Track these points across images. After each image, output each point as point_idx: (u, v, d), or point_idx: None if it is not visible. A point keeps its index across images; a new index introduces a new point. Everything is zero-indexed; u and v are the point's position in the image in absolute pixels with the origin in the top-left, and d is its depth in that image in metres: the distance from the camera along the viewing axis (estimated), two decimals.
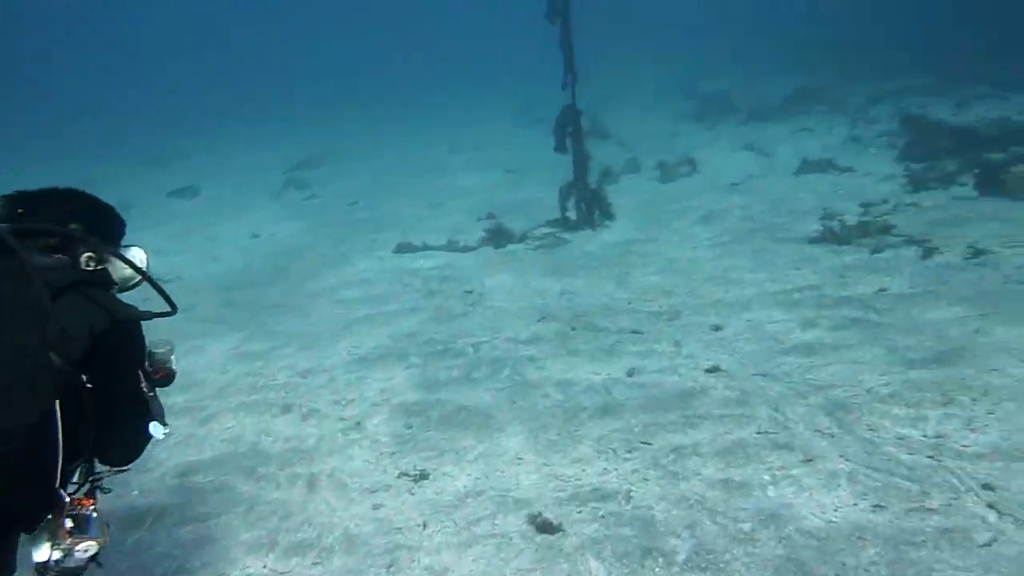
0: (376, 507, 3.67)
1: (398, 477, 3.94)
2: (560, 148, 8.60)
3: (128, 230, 2.24)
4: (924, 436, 3.60)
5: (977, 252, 5.78)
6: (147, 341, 2.03)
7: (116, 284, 2.03)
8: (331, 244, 9.32)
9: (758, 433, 3.89)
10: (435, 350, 5.74)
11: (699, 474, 3.61)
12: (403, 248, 8.64)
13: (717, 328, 5.52)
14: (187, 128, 25.00)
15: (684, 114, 17.07)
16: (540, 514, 3.45)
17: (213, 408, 4.96)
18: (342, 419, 4.67)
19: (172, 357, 2.20)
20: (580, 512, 3.44)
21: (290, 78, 37.18)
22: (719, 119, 15.51)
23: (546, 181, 11.44)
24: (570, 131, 8.54)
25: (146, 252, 2.14)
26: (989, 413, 3.68)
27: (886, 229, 6.68)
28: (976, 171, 7.30)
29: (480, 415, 4.57)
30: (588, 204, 8.74)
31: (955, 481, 3.20)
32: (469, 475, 3.89)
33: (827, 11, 23.36)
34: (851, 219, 7.29)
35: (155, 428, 1.97)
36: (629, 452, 3.91)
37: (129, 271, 2.03)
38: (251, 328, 6.56)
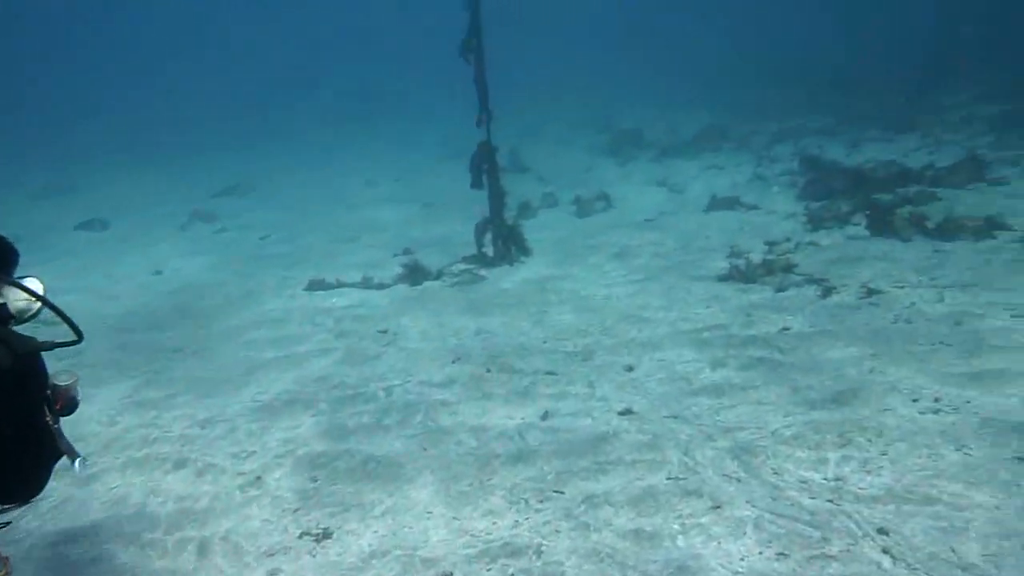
0: (273, 573, 3.45)
1: (299, 537, 3.73)
2: (476, 184, 8.60)
3: (19, 267, 2.14)
4: (825, 479, 3.69)
5: (870, 292, 6.09)
6: (49, 371, 1.99)
7: (13, 317, 1.99)
8: (239, 281, 8.94)
9: (668, 479, 3.90)
10: (345, 395, 5.54)
11: (610, 524, 3.57)
12: (315, 285, 8.37)
13: (630, 368, 5.56)
14: (89, 158, 23.74)
15: (599, 148, 17.47)
16: (450, 574, 3.33)
17: (97, 466, 4.59)
18: (241, 474, 4.41)
19: (77, 387, 2.14)
20: (490, 570, 3.33)
21: (203, 106, 35.98)
22: (633, 154, 15.94)
23: (464, 215, 11.40)
24: (486, 168, 8.54)
25: (42, 282, 2.10)
26: (883, 454, 3.81)
27: (789, 268, 6.95)
28: (867, 212, 7.73)
29: (389, 465, 4.41)
30: (505, 240, 8.74)
31: (853, 526, 3.28)
32: (375, 532, 3.72)
33: (734, 52, 24.68)
34: (757, 257, 7.55)
35: (79, 464, 1.96)
36: (541, 502, 3.84)
37: (24, 302, 1.99)
38: (146, 374, 6.16)
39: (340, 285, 8.36)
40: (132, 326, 7.49)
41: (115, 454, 4.71)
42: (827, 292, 6.31)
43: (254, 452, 4.69)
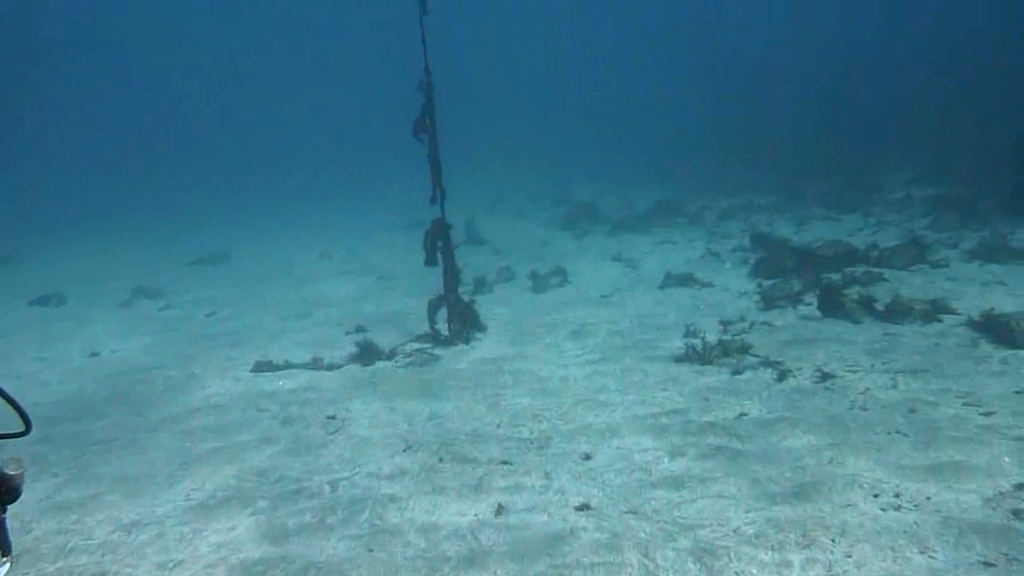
0: None
1: None
2: (430, 262, 8.49)
3: None
4: None
5: (824, 376, 6.08)
6: None
7: None
8: (181, 363, 8.53)
9: None
10: (287, 490, 5.21)
11: None
12: (262, 367, 8.04)
13: (587, 457, 5.39)
14: (28, 227, 23.06)
15: (555, 221, 17.68)
16: None
17: None
18: None
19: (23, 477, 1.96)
20: None
21: (155, 173, 35.62)
22: (588, 228, 16.15)
23: (419, 289, 11.27)
24: (440, 245, 8.45)
25: None
26: (847, 556, 3.68)
27: (744, 349, 6.94)
28: (818, 292, 7.84)
29: (331, 572, 4.09)
30: (459, 318, 8.59)
31: None
32: None
33: (684, 128, 25.63)
34: (712, 337, 7.54)
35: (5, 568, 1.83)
36: None
37: None
38: (71, 471, 5.72)
39: (288, 366, 8.05)
40: (60, 416, 7.01)
41: (25, 568, 4.28)
42: (783, 375, 6.28)
43: (182, 561, 4.31)
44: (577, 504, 4.64)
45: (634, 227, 15.05)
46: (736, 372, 6.60)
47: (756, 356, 6.91)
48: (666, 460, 5.17)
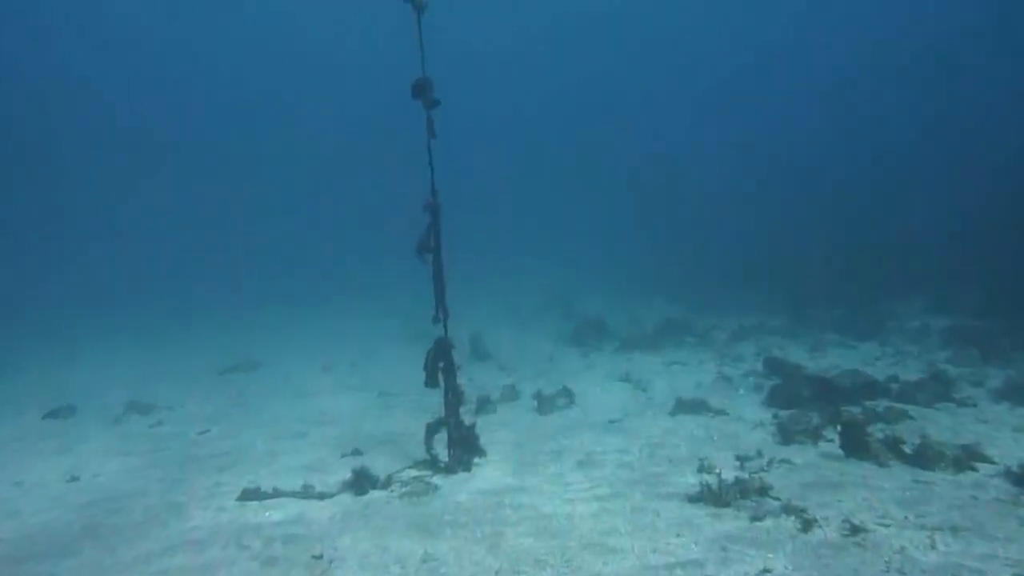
0: None
1: None
2: (431, 383, 8.16)
3: None
4: None
5: (854, 529, 5.60)
6: None
7: None
8: (164, 489, 8.05)
9: None
10: None
11: None
12: (249, 495, 7.56)
13: None
14: (31, 332, 22.97)
15: (563, 336, 17.45)
16: None
17: None
18: None
19: None
20: None
21: (154, 282, 35.96)
22: (596, 344, 15.90)
23: (420, 407, 10.91)
24: (442, 366, 8.16)
25: None
26: None
27: (763, 491, 6.48)
28: (839, 429, 7.44)
29: None
30: (460, 444, 8.16)
31: None
32: None
33: (694, 245, 25.91)
34: (728, 474, 7.09)
35: None
36: None
37: None
38: None
39: (277, 494, 7.57)
40: (25, 554, 6.49)
41: None
42: (807, 525, 5.79)
43: None
44: None
45: (643, 345, 14.79)
46: (756, 518, 6.11)
47: (776, 499, 6.43)
48: None
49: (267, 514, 7.14)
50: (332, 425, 10.64)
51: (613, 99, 60.56)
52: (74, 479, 8.71)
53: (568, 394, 11.16)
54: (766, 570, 5.23)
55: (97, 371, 17.23)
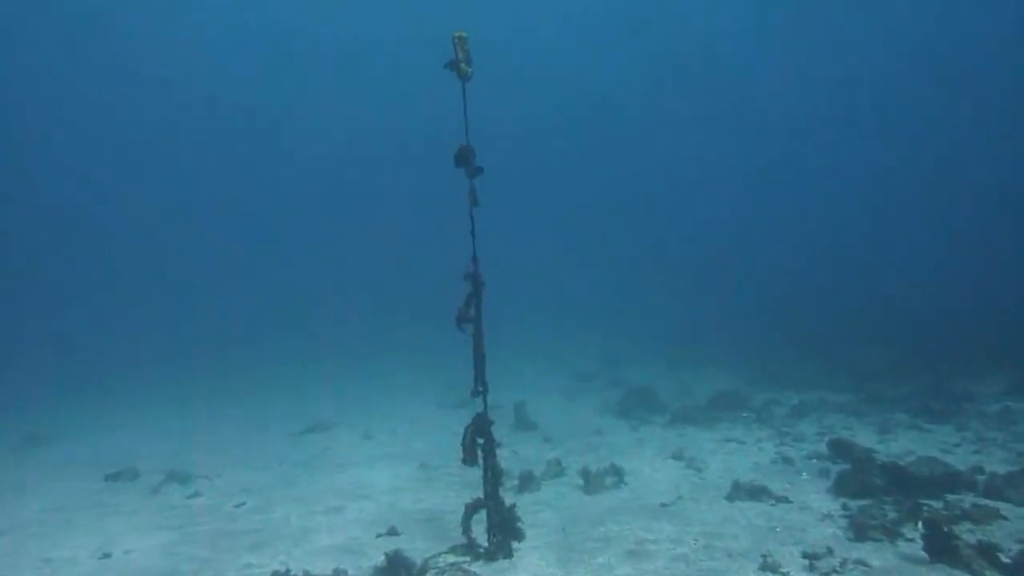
0: None
1: None
2: (469, 461, 7.70)
3: None
4: None
5: None
6: None
7: None
8: (192, 571, 7.67)
9: None
10: None
11: None
12: None
13: None
14: (54, 404, 23.29)
15: (610, 406, 16.81)
16: None
17: None
18: None
19: None
20: None
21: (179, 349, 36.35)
22: (645, 417, 15.22)
23: (462, 481, 10.47)
24: (481, 443, 7.73)
25: None
26: None
27: None
28: (921, 528, 6.70)
29: None
30: (500, 528, 7.65)
31: None
32: None
33: (746, 314, 25.11)
34: (796, 574, 6.41)
35: None
36: None
37: None
38: None
39: None
40: None
41: None
42: None
43: None
44: None
45: (695, 419, 14.06)
46: None
47: None
48: None
49: None
50: (369, 500, 10.24)
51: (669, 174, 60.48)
52: (105, 556, 8.45)
53: (616, 472, 10.54)
54: None
55: (141, 434, 17.27)
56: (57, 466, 14.17)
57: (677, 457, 11.55)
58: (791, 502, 8.77)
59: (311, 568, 7.40)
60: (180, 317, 44.01)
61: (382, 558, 7.42)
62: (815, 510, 8.37)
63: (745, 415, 14.19)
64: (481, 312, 8.01)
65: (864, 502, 8.08)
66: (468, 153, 7.92)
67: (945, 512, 7.17)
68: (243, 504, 10.31)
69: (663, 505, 9.19)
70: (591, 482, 10.26)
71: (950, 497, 7.67)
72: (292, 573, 7.23)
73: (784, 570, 6.66)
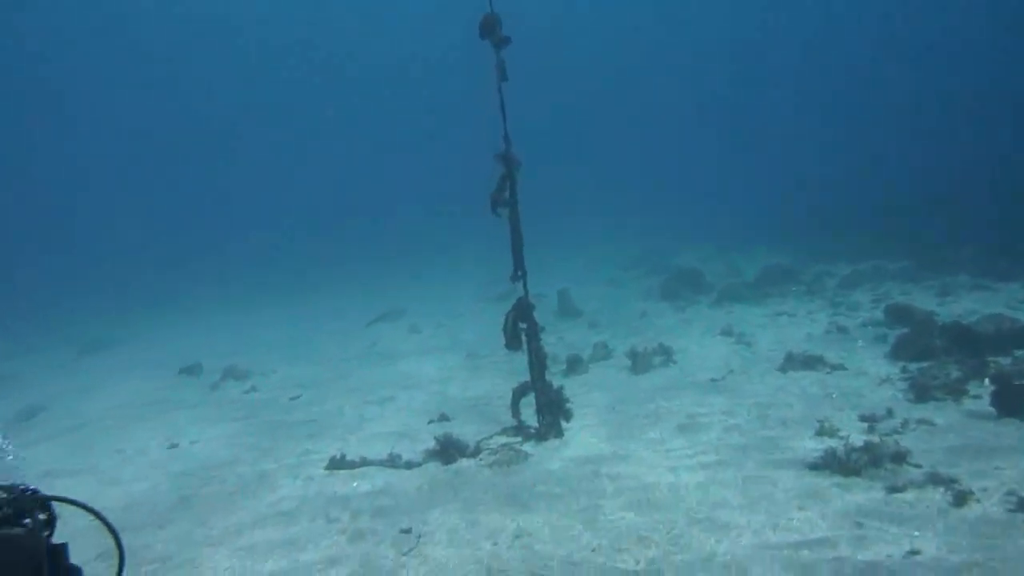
0: None
1: None
2: (512, 346, 7.62)
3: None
4: None
5: (1022, 503, 4.72)
6: None
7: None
8: (254, 458, 8.01)
9: None
10: None
11: None
12: (337, 464, 7.38)
13: None
14: (117, 311, 24.20)
15: (654, 290, 16.59)
16: None
17: None
18: None
19: None
20: None
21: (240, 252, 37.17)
22: (691, 297, 14.98)
23: (508, 369, 10.49)
24: (524, 328, 7.61)
25: None
26: None
27: (900, 457, 5.64)
28: (989, 383, 6.43)
29: None
30: (549, 409, 7.65)
31: None
32: None
33: (794, 187, 24.11)
34: (854, 437, 6.26)
35: None
36: None
37: None
38: None
39: (364, 463, 7.34)
40: (124, 524, 6.44)
41: None
42: (961, 498, 4.95)
43: None
44: None
45: (743, 296, 13.76)
46: (894, 489, 5.30)
47: (917, 467, 5.58)
48: None
49: (355, 484, 6.91)
50: (419, 389, 10.40)
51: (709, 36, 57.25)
52: (173, 446, 8.86)
53: (665, 351, 10.44)
54: (914, 551, 4.48)
55: (201, 335, 17.89)
56: (123, 368, 14.86)
57: (726, 334, 11.36)
58: (847, 369, 8.55)
59: (367, 453, 7.57)
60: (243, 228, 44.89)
61: (435, 442, 7.53)
62: (872, 375, 8.14)
63: (795, 289, 13.82)
64: (516, 194, 7.69)
65: (925, 364, 7.80)
66: (494, 23, 7.37)
67: (1014, 367, 6.86)
68: (298, 397, 10.61)
69: (713, 380, 9.08)
70: (639, 362, 10.19)
71: (1019, 352, 7.33)
72: (349, 458, 7.41)
73: (842, 434, 6.51)
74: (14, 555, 1.83)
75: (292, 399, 10.57)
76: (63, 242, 45.78)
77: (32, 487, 2.04)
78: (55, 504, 2.04)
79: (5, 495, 1.98)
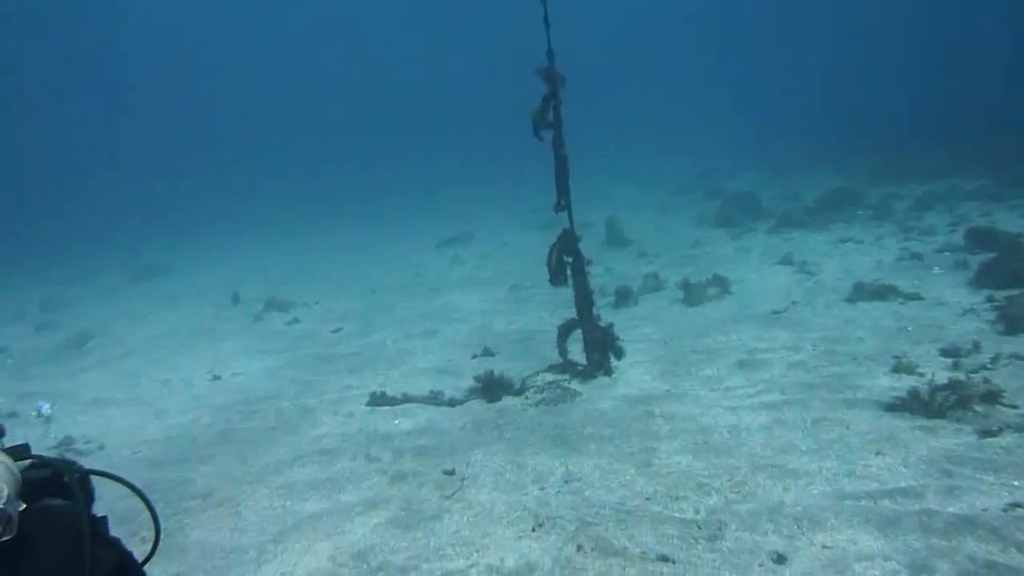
0: None
1: None
2: (557, 281, 7.13)
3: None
4: None
5: None
6: None
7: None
8: (295, 393, 7.87)
9: None
10: None
11: None
12: (378, 400, 7.15)
13: (780, 559, 3.91)
14: (168, 237, 24.56)
15: (707, 217, 15.80)
16: None
17: None
18: None
19: None
20: None
21: (281, 179, 37.22)
22: (747, 224, 14.19)
23: (554, 301, 10.08)
24: (569, 261, 7.10)
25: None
26: None
27: (992, 397, 5.08)
28: None
29: None
30: (597, 346, 7.22)
31: None
32: None
33: (861, 103, 22.50)
34: (937, 374, 5.70)
35: None
36: None
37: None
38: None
39: (406, 400, 7.10)
40: (166, 458, 6.48)
41: None
42: None
43: None
44: None
45: (804, 222, 12.93)
46: (987, 433, 4.77)
47: (1013, 407, 5.02)
48: None
49: (396, 422, 6.68)
50: (463, 322, 10.10)
51: None
52: (216, 378, 8.84)
53: (720, 282, 9.85)
54: (1015, 504, 3.98)
55: (248, 265, 18.02)
56: (172, 296, 15.06)
57: (786, 262, 10.67)
58: (923, 299, 7.86)
59: (408, 389, 7.33)
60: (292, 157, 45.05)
61: (477, 380, 7.22)
62: (953, 305, 7.45)
63: (860, 213, 12.91)
64: (561, 115, 7.05)
65: (1014, 291, 7.07)
66: None
67: None
68: (340, 329, 10.45)
69: (775, 312, 8.50)
70: (693, 294, 9.65)
71: None
72: (390, 394, 7.17)
73: (922, 370, 5.94)
74: (55, 526, 1.80)
75: (334, 332, 10.41)
76: (119, 168, 46.70)
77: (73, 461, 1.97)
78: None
79: (47, 467, 1.95)
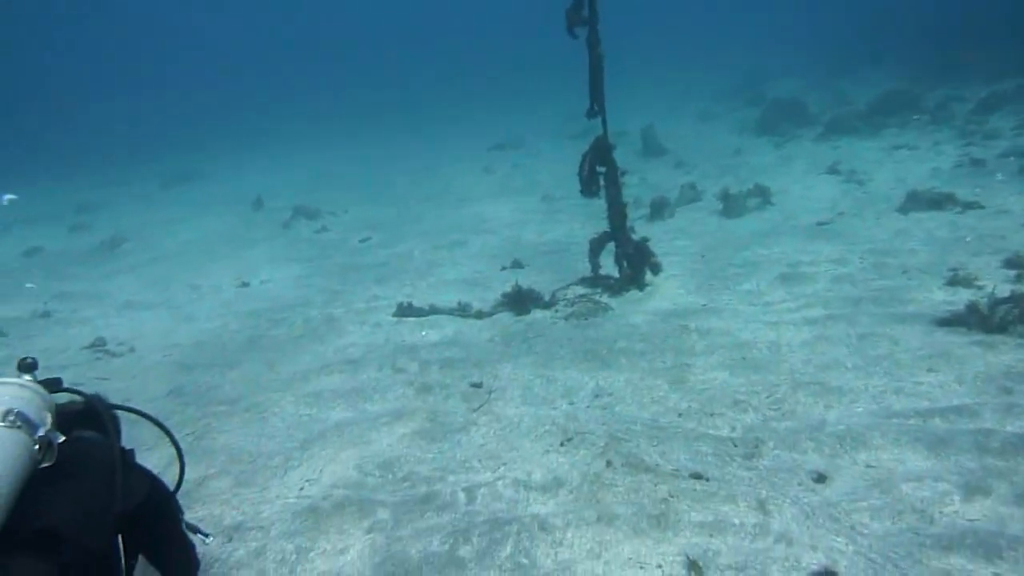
0: None
1: None
2: (589, 193, 6.76)
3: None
4: None
5: None
6: None
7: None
8: (324, 301, 7.79)
9: None
10: (415, 495, 4.10)
11: None
12: (405, 311, 7.02)
13: (820, 479, 3.74)
14: (200, 144, 24.38)
15: (749, 124, 15.03)
16: None
17: None
18: None
19: None
20: None
21: (313, 86, 36.53)
22: (792, 132, 13.45)
23: (586, 212, 9.76)
24: (603, 172, 6.71)
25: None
26: None
27: None
28: None
29: None
30: (631, 259, 6.92)
31: None
32: None
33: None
34: (998, 286, 5.32)
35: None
36: None
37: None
38: (188, 439, 5.03)
39: (433, 311, 6.96)
40: (196, 362, 6.49)
41: None
42: None
43: None
44: (814, 570, 3.05)
45: (854, 128, 12.17)
46: None
47: None
48: (957, 499, 3.38)
49: (423, 333, 6.56)
50: (492, 233, 9.84)
51: None
52: (244, 284, 8.85)
53: (762, 192, 9.36)
54: None
55: (279, 173, 17.95)
56: (203, 202, 15.10)
57: (833, 171, 10.10)
58: (983, 208, 7.36)
59: (436, 301, 7.18)
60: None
61: (508, 289, 7.02)
62: (1018, 214, 6.96)
63: (916, 117, 12.09)
64: (597, 11, 6.48)
65: None
66: None
67: None
68: (368, 239, 10.32)
69: (820, 224, 8.07)
70: (732, 204, 9.21)
71: None
72: (416, 305, 7.03)
73: (980, 283, 5.56)
74: (89, 457, 1.91)
75: (362, 241, 10.27)
76: (154, 75, 46.50)
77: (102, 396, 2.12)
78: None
79: (79, 401, 2.07)
